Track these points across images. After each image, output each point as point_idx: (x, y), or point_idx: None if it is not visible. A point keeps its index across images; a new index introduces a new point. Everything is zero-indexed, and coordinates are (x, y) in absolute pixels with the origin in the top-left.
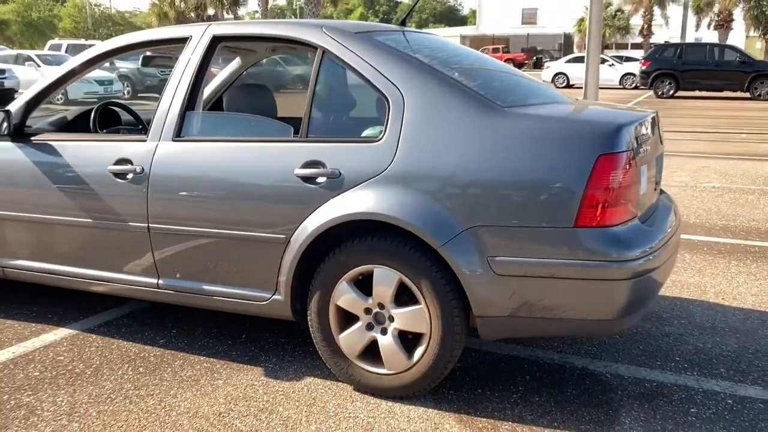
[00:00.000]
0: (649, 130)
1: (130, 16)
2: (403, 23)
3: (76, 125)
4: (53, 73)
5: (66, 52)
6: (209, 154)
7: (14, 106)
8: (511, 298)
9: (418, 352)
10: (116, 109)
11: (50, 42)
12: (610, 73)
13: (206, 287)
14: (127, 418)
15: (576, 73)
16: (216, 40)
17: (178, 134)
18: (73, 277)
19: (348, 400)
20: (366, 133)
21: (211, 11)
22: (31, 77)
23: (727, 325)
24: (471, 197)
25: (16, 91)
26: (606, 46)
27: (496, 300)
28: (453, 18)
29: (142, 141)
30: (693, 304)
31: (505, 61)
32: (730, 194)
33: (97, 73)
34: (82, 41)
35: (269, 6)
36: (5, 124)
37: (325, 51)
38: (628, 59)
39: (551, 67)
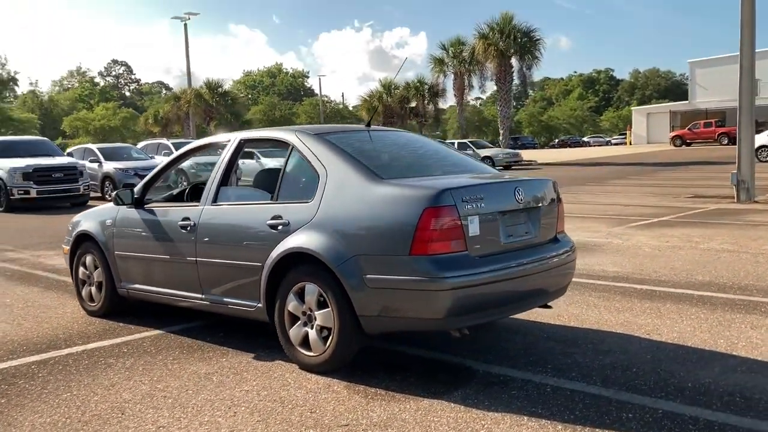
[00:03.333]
0: (492, 193)
1: (356, 110)
2: (368, 124)
3: (177, 197)
4: (160, 165)
5: None
6: (226, 212)
7: (137, 186)
8: (377, 303)
9: (329, 340)
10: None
11: None
12: None
13: (225, 299)
14: (158, 373)
15: None
16: (242, 142)
17: (215, 200)
18: (164, 295)
19: (288, 372)
20: (307, 197)
21: (413, 103)
22: (256, 168)
23: (621, 350)
24: (354, 236)
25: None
26: None
27: (369, 304)
28: (679, 92)
29: (197, 205)
30: (614, 335)
31: (718, 135)
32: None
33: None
34: None
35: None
36: (129, 197)
37: (293, 146)
38: None
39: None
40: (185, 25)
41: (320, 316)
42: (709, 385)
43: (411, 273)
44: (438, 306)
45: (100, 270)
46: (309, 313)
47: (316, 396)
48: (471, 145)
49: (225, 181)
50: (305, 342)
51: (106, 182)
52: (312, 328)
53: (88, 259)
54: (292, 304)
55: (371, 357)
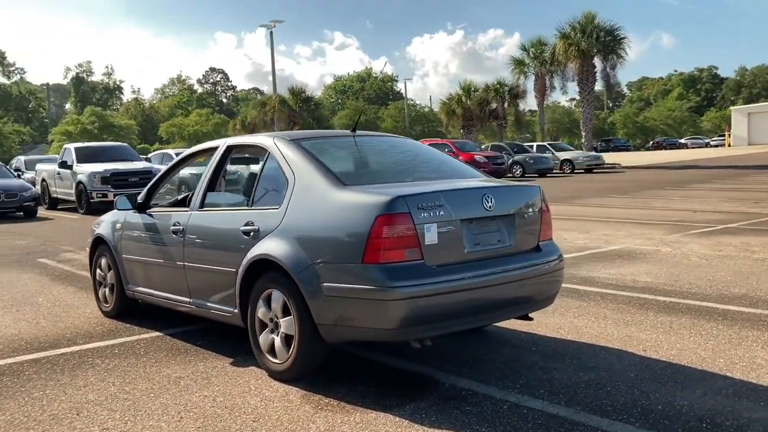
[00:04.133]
0: (454, 200)
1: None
2: (353, 129)
3: (181, 203)
4: (162, 170)
5: None
6: (209, 216)
7: (141, 192)
8: (332, 311)
9: (291, 348)
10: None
11: None
12: None
13: (207, 303)
14: (133, 375)
15: None
16: (229, 148)
17: (202, 205)
18: (160, 298)
19: (255, 378)
20: (277, 203)
21: (493, 105)
22: None
23: (606, 367)
24: (314, 243)
25: None
26: None
27: (325, 312)
28: None
29: (186, 210)
30: (607, 351)
31: None
32: None
33: None
34: None
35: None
36: (132, 202)
37: (269, 152)
38: None
39: None
40: (271, 32)
41: (284, 324)
42: (681, 408)
43: (363, 281)
44: (390, 316)
45: (112, 272)
46: (275, 320)
47: (267, 404)
48: (550, 148)
49: (212, 186)
50: (272, 349)
51: (182, 186)
52: (277, 335)
53: (103, 261)
54: (261, 311)
55: (341, 365)
